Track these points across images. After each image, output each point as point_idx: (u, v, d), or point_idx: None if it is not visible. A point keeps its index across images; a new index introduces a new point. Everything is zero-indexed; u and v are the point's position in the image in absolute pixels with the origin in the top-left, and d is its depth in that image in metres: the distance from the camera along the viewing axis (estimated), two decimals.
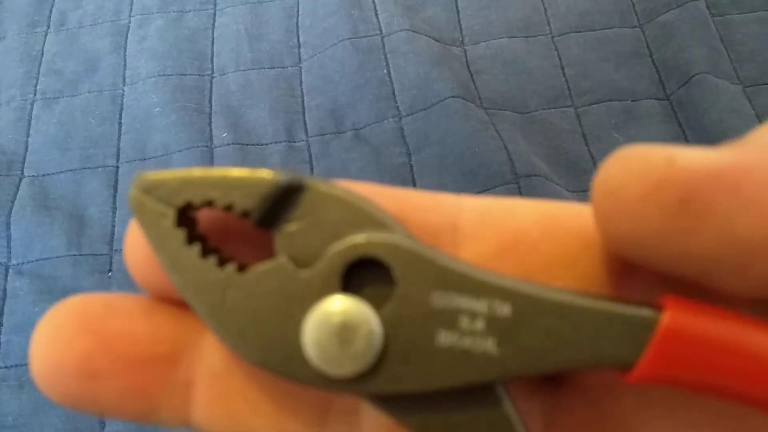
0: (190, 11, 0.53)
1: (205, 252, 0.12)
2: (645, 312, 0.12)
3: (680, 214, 0.11)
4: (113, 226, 0.43)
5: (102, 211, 0.43)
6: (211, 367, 0.15)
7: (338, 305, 0.11)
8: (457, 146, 0.43)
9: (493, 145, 0.43)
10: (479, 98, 0.47)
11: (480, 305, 0.11)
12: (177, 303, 0.15)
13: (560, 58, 0.49)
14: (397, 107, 0.46)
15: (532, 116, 0.47)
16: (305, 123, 0.47)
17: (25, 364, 0.38)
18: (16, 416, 0.37)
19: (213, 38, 0.51)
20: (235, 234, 0.14)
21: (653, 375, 0.12)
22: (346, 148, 0.45)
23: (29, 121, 0.48)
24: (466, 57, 0.49)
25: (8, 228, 0.43)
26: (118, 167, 0.45)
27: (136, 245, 0.14)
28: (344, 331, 0.11)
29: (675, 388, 0.13)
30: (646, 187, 0.11)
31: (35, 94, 0.49)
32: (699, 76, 0.46)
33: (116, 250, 0.42)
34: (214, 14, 0.53)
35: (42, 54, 0.51)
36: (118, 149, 0.46)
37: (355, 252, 0.11)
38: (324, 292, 0.11)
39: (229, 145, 0.45)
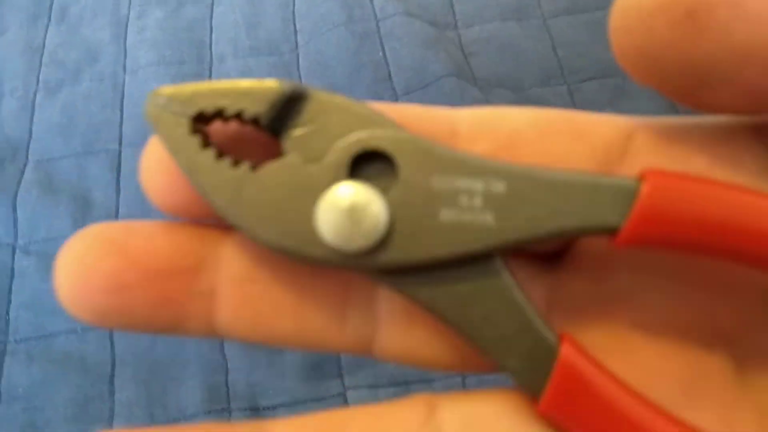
0: (188, 2, 0.54)
1: (219, 155, 0.13)
2: (628, 181, 0.13)
3: (685, 25, 0.13)
4: (117, 206, 0.44)
5: (106, 193, 0.44)
6: (232, 275, 0.16)
7: (347, 190, 0.12)
8: None
9: None
10: (474, 78, 0.48)
11: (477, 184, 0.12)
12: (194, 224, 0.16)
13: (552, 40, 0.51)
14: (393, 88, 0.47)
15: (526, 94, 0.48)
16: None
17: (34, 338, 0.39)
18: (26, 388, 0.37)
19: (211, 27, 0.52)
20: (244, 141, 0.15)
21: (639, 238, 0.13)
22: None
23: (32, 109, 0.49)
24: (460, 40, 0.51)
25: (14, 210, 0.43)
26: (120, 151, 0.46)
27: (151, 168, 0.15)
28: (353, 212, 0.11)
29: (663, 255, 0.14)
30: (656, 3, 0.13)
31: (38, 84, 0.50)
32: None
33: None
34: (212, 4, 0.54)
35: (43, 46, 0.52)
36: (121, 134, 0.47)
37: (360, 145, 0.12)
38: (333, 181, 0.12)
39: None
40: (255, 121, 0.13)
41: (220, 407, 0.37)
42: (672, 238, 0.13)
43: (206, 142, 0.13)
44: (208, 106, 0.13)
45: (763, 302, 0.15)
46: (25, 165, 0.46)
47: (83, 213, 0.43)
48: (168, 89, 0.13)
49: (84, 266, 0.15)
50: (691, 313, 0.15)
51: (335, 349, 0.16)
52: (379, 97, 0.47)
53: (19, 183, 0.45)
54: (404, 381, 0.36)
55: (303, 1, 0.53)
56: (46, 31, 0.53)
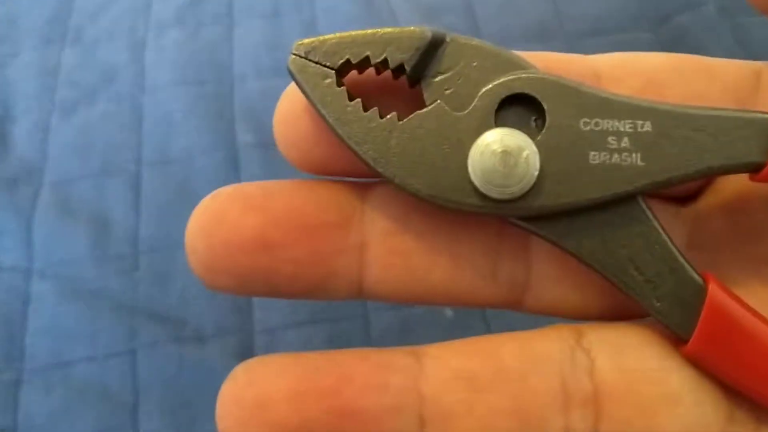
0: (207, 24, 0.53)
1: (366, 107, 0.13)
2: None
3: None
4: (137, 228, 0.42)
5: (125, 214, 0.43)
6: (382, 228, 0.15)
7: (498, 136, 0.12)
8: None
9: None
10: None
11: (624, 125, 0.12)
12: (331, 181, 0.15)
13: None
14: None
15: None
16: None
17: (52, 366, 0.37)
18: (44, 418, 0.35)
19: (231, 48, 0.51)
20: (385, 92, 0.15)
21: None
22: None
23: (47, 131, 0.47)
24: None
25: (30, 233, 0.42)
26: (140, 171, 0.45)
27: (288, 122, 0.15)
28: (506, 156, 0.11)
29: None
30: None
31: (53, 105, 0.49)
32: None
33: (142, 250, 0.41)
34: (231, 26, 0.53)
35: (59, 67, 0.51)
36: (140, 154, 0.45)
37: (506, 89, 0.12)
38: (482, 127, 0.12)
39: (254, 146, 0.45)
40: (399, 68, 0.13)
41: None
42: None
43: (352, 94, 0.13)
44: (354, 55, 0.13)
45: None
46: (40, 187, 0.44)
47: (101, 235, 0.42)
48: (311, 40, 0.13)
49: (224, 225, 0.14)
50: None
51: (486, 302, 0.16)
52: None
53: (34, 205, 0.43)
54: None
55: (326, 24, 0.52)
56: (61, 52, 0.52)
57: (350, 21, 0.51)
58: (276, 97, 0.48)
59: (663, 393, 0.14)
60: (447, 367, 0.15)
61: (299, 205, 0.15)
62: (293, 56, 0.14)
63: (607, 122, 0.12)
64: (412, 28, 0.13)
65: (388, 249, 0.15)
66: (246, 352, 0.37)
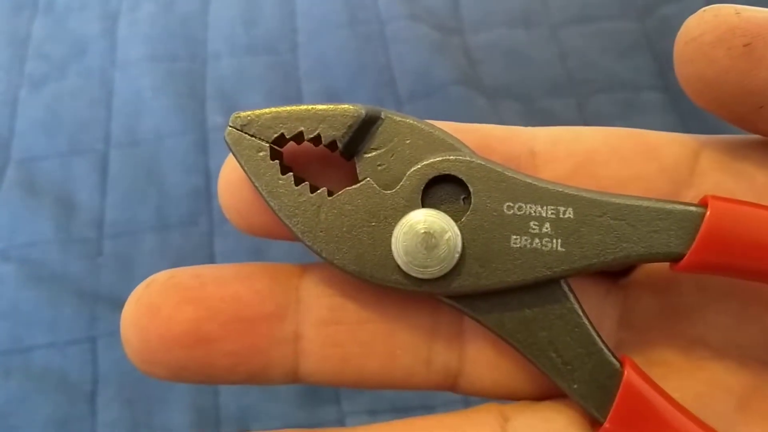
0: None
1: (297, 181, 0.13)
2: (691, 208, 0.13)
3: (743, 56, 0.14)
4: (102, 210, 0.41)
5: (91, 196, 0.42)
6: (318, 318, 0.15)
7: (422, 216, 0.12)
8: None
9: None
10: (481, 86, 0.46)
11: (547, 211, 0.13)
12: (266, 265, 0.15)
13: (561, 49, 0.49)
14: (397, 93, 0.45)
15: (535, 106, 0.46)
16: None
17: (11, 351, 0.36)
18: (3, 404, 0.35)
19: (206, 23, 0.50)
20: (323, 164, 0.15)
21: (701, 265, 0.13)
22: None
23: (15, 105, 0.46)
24: (465, 46, 0.49)
25: None
26: (107, 151, 0.44)
27: (229, 189, 0.15)
28: (429, 237, 0.12)
29: (727, 277, 0.15)
30: (717, 34, 0.14)
31: (23, 78, 0.47)
32: None
33: (106, 234, 0.40)
34: (207, 0, 0.51)
35: (29, 38, 0.50)
36: (108, 133, 0.45)
37: (434, 170, 0.12)
38: (408, 207, 0.12)
39: (224, 128, 0.44)
40: (332, 144, 0.13)
41: (209, 431, 0.35)
42: (733, 265, 0.14)
43: (285, 167, 0.14)
44: (288, 130, 0.13)
45: None
46: (6, 164, 0.43)
47: (66, 217, 0.41)
48: (248, 113, 0.14)
49: (158, 319, 0.14)
50: (751, 332, 0.16)
51: (420, 387, 0.16)
52: (381, 103, 0.45)
53: (0, 184, 0.42)
54: (404, 407, 0.35)
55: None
56: (32, 21, 0.51)
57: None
58: (248, 78, 0.47)
59: None
60: None
61: (235, 295, 0.15)
62: (230, 128, 0.14)
63: (530, 207, 0.13)
64: (347, 105, 0.13)
65: (323, 340, 0.15)
66: None
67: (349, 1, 0.50)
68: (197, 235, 0.40)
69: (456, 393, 0.16)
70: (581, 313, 0.14)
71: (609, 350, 0.14)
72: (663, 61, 0.48)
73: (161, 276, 0.15)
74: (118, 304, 0.37)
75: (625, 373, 0.14)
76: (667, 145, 0.16)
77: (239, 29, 0.50)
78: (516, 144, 0.15)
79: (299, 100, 0.46)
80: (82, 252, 0.40)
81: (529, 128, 0.16)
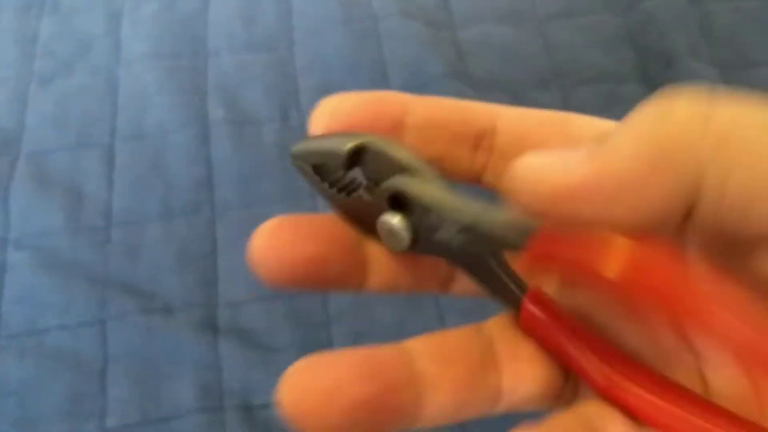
0: None
1: (330, 185, 0.18)
2: (529, 221, 0.16)
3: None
4: (110, 201, 0.44)
5: (99, 187, 0.44)
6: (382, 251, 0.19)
7: (388, 219, 0.18)
8: None
9: None
10: (470, 79, 0.48)
11: (457, 216, 0.17)
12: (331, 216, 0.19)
13: (547, 43, 0.51)
14: (390, 87, 0.47)
15: (521, 98, 0.48)
16: (299, 102, 0.48)
17: (26, 333, 0.39)
18: (19, 383, 0.37)
19: (206, 21, 0.52)
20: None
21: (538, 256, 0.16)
22: None
23: (25, 101, 0.48)
24: (455, 41, 0.51)
25: (6, 203, 0.43)
26: (113, 144, 0.46)
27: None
28: (391, 232, 0.18)
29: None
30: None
31: (32, 75, 0.50)
32: (679, 61, 0.48)
33: (114, 223, 0.43)
34: None
35: (37, 36, 0.52)
36: (114, 127, 0.47)
37: (391, 188, 0.18)
38: (382, 209, 0.18)
39: (225, 122, 0.46)
40: (340, 166, 0.18)
41: (213, 405, 0.37)
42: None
43: (323, 178, 0.18)
44: (313, 161, 0.18)
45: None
46: (17, 157, 0.45)
47: (76, 207, 0.43)
48: (296, 146, 0.18)
49: (279, 250, 0.17)
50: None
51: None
52: None
53: (11, 176, 0.44)
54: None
55: None
56: (39, 20, 0.53)
57: None
58: (247, 74, 0.49)
59: None
60: None
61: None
62: (291, 157, 0.18)
63: (447, 214, 0.17)
64: (344, 145, 0.17)
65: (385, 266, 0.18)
66: (211, 323, 0.39)
67: None
68: (200, 223, 0.42)
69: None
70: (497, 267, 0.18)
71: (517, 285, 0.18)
72: (645, 54, 0.50)
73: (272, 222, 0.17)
74: (126, 289, 0.40)
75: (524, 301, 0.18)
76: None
77: (238, 27, 0.52)
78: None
79: (296, 95, 0.48)
80: (92, 240, 0.42)
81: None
